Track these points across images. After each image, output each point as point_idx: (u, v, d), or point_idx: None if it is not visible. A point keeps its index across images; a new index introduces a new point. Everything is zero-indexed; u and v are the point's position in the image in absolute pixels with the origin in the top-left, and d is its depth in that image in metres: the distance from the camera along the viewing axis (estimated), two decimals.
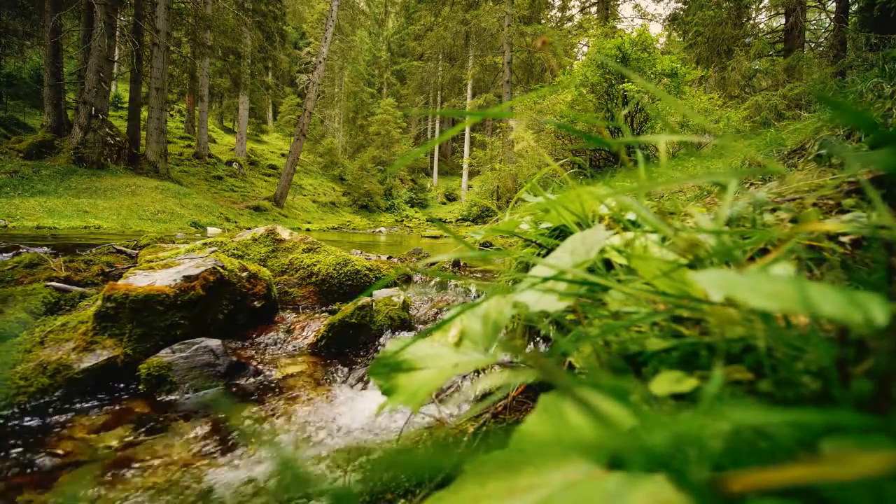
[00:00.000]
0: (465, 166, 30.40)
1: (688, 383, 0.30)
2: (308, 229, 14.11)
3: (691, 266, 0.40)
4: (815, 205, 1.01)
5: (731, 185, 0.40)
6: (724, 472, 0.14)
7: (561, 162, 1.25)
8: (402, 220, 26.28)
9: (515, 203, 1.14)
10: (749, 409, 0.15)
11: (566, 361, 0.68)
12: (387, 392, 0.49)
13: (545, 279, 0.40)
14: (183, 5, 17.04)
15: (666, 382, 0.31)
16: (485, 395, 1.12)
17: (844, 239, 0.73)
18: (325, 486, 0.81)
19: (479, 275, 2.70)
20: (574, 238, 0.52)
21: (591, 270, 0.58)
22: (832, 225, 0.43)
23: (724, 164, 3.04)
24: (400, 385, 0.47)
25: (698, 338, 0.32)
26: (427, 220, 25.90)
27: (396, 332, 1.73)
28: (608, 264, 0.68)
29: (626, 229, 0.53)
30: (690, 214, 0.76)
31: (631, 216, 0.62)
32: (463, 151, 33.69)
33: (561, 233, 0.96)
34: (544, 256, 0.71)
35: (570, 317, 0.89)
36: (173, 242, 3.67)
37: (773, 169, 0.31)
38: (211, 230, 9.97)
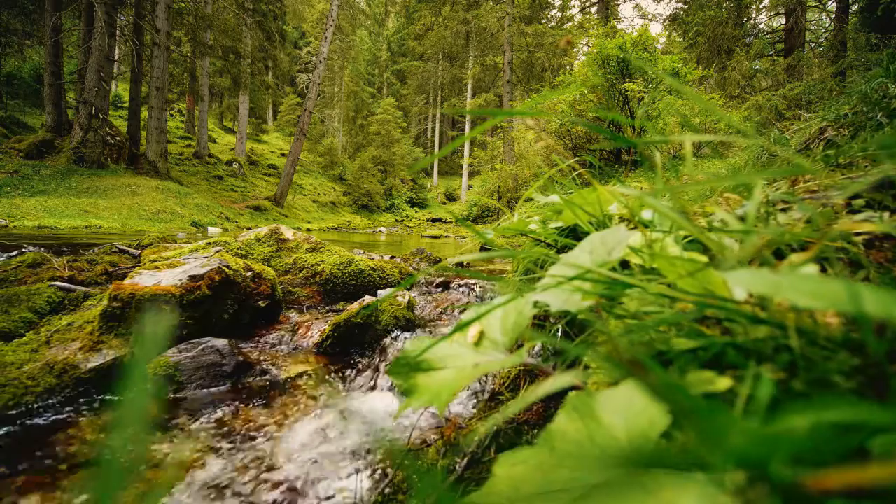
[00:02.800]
0: (466, 166, 30.40)
1: (721, 383, 0.30)
2: (308, 229, 14.11)
3: (716, 266, 0.40)
4: (825, 205, 1.01)
5: (758, 185, 0.40)
6: (806, 472, 0.14)
7: (569, 161, 1.24)
8: (402, 220, 26.29)
9: (524, 202, 1.14)
10: (831, 406, 0.15)
11: (581, 362, 0.68)
12: (406, 392, 0.49)
13: (571, 278, 0.40)
14: (183, 5, 17.03)
15: (699, 382, 0.31)
16: (493, 395, 1.12)
17: (857, 239, 0.73)
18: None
19: (483, 274, 2.70)
20: (592, 238, 0.52)
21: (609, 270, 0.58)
22: (870, 225, 0.43)
23: (727, 164, 3.05)
24: (420, 385, 0.47)
25: (731, 338, 0.32)
26: (429, 220, 25.89)
27: (402, 332, 1.73)
28: (623, 264, 0.68)
29: (638, 228, 0.53)
30: (707, 213, 0.76)
31: (647, 214, 0.62)
32: (463, 151, 33.68)
33: (572, 232, 0.95)
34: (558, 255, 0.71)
35: (581, 316, 0.89)
36: (175, 242, 3.66)
37: (807, 168, 0.31)
38: (211, 230, 9.97)
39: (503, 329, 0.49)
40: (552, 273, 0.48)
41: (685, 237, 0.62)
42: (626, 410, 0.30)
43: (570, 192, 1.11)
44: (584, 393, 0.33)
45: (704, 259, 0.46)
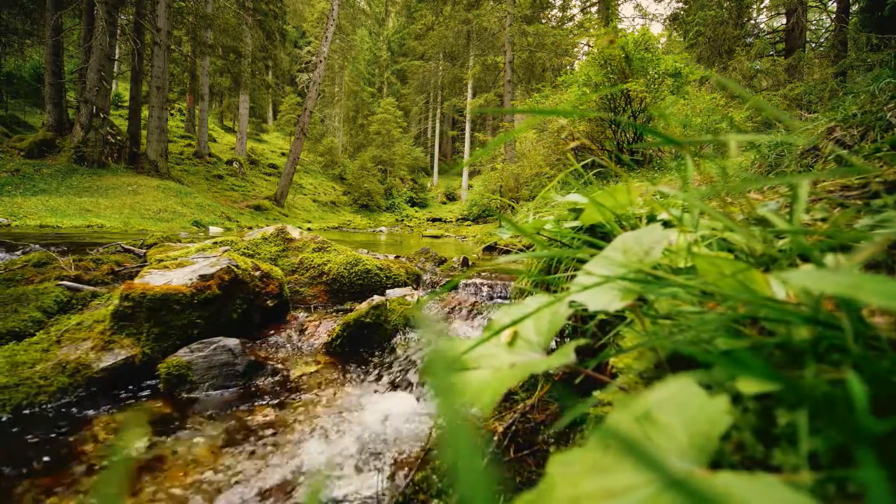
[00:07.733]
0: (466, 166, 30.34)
1: (774, 383, 0.30)
2: (309, 228, 14.08)
3: (759, 267, 0.40)
4: (841, 205, 1.02)
5: (804, 186, 0.40)
6: None
7: (584, 162, 1.24)
8: (403, 220, 26.28)
9: (539, 200, 1.14)
10: None
11: (608, 365, 0.68)
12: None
13: (618, 278, 0.40)
14: (183, 4, 17.00)
15: (753, 383, 0.31)
16: (508, 394, 1.12)
17: (879, 238, 0.73)
18: None
19: (485, 274, 2.69)
20: (625, 237, 0.52)
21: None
22: None
23: (730, 164, 3.05)
24: (455, 385, 0.47)
25: (779, 338, 0.32)
26: (429, 220, 25.84)
27: (411, 332, 1.73)
28: None
29: (678, 228, 0.53)
30: (747, 212, 0.76)
31: (675, 212, 0.62)
32: (464, 151, 33.68)
33: (588, 231, 0.95)
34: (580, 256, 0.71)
35: (600, 316, 0.88)
36: (179, 242, 3.66)
37: (863, 168, 0.31)
38: (213, 229, 9.97)
39: (538, 329, 0.49)
40: (591, 270, 0.47)
41: (711, 236, 0.63)
42: (683, 411, 0.30)
43: (578, 191, 1.11)
44: (635, 394, 0.33)
45: (731, 257, 0.46)
